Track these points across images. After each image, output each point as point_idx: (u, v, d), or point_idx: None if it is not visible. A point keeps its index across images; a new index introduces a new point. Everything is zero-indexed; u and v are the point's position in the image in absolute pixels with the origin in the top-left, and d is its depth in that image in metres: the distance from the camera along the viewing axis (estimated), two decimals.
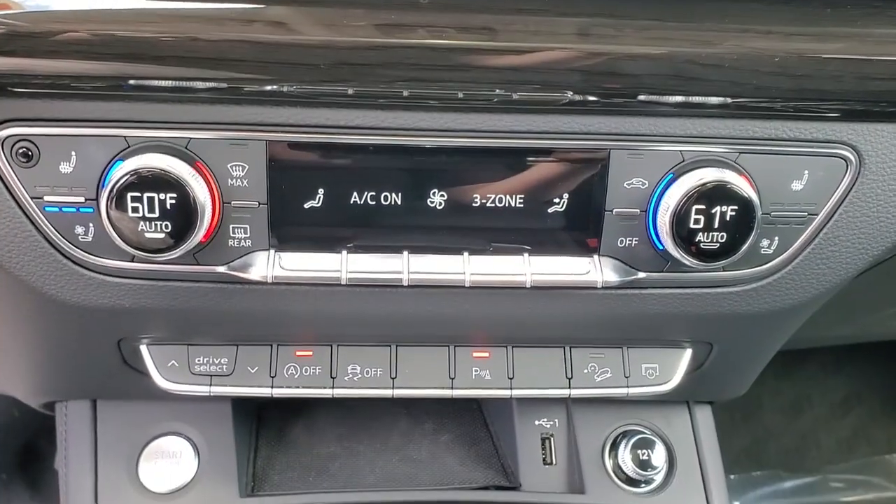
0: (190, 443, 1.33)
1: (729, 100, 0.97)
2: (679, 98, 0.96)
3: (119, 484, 1.30)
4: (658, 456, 1.36)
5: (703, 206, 0.98)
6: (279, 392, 1.18)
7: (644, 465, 1.35)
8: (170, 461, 1.31)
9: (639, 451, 1.36)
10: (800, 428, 2.48)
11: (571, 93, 0.95)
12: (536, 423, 1.41)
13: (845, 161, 1.03)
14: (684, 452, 1.40)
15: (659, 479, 1.38)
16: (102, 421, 1.33)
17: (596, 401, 1.34)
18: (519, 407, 1.41)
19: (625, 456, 1.36)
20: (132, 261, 1.01)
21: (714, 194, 0.98)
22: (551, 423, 1.41)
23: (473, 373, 1.20)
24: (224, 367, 1.18)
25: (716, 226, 0.98)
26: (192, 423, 1.34)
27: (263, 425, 1.45)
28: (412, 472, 1.39)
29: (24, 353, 1.24)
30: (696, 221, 0.98)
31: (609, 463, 1.38)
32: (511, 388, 1.20)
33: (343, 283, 1.02)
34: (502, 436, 1.44)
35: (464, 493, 1.34)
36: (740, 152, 1.01)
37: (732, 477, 2.39)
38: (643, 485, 1.37)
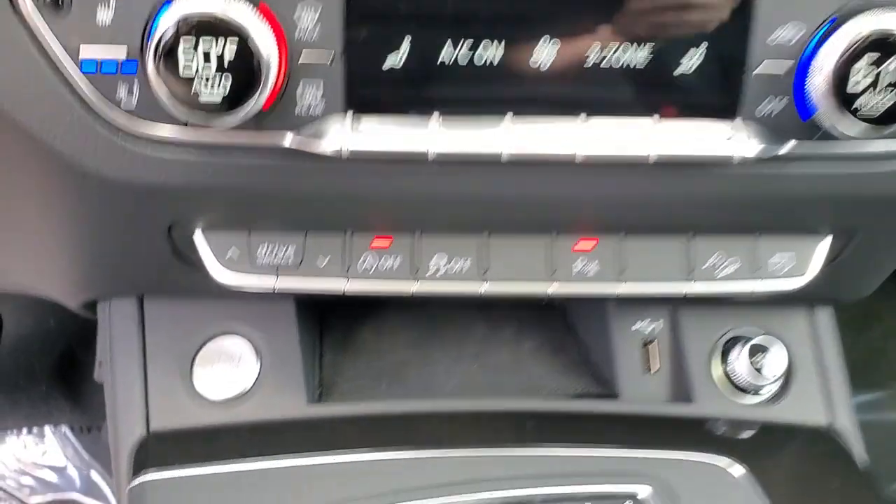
0: (250, 344, 1.20)
1: None
2: None
3: (172, 392, 1.17)
4: (775, 363, 1.20)
5: (872, 60, 0.81)
6: (354, 287, 1.03)
7: (759, 372, 1.20)
8: (228, 365, 1.19)
9: (753, 358, 1.20)
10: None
11: None
12: (634, 327, 1.26)
13: None
14: (803, 359, 1.25)
15: (775, 388, 1.23)
16: (151, 321, 1.20)
17: (704, 300, 1.18)
18: (614, 310, 1.26)
19: (737, 362, 1.21)
20: (185, 127, 0.87)
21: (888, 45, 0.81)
22: (652, 326, 1.26)
23: (576, 267, 1.05)
24: (290, 258, 1.03)
25: (886, 83, 0.82)
26: (251, 322, 1.20)
27: (326, 330, 1.32)
28: (495, 379, 1.26)
29: (63, 245, 1.11)
30: (862, 79, 0.82)
31: (719, 370, 1.23)
32: (620, 283, 1.05)
33: (431, 158, 0.87)
34: (595, 342, 1.30)
35: (558, 402, 1.21)
36: None
37: None
38: (757, 394, 1.22)
